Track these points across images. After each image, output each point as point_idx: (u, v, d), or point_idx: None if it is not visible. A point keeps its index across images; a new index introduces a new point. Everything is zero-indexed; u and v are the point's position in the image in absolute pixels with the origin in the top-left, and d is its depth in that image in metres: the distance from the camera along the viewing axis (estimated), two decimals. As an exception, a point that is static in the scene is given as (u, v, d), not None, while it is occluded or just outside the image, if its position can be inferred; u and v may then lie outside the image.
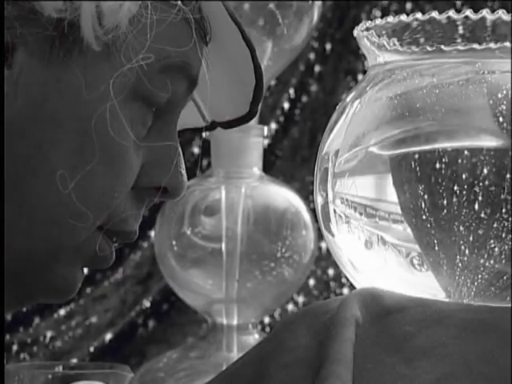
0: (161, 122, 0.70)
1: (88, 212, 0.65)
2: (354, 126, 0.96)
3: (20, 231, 0.65)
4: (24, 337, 1.88)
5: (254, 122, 1.32)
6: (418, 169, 0.92)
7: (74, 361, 1.73)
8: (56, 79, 0.64)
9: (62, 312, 1.90)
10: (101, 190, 0.66)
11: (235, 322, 1.46)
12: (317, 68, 2.03)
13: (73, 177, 0.64)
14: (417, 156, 0.91)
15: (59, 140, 0.64)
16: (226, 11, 0.69)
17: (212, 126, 0.81)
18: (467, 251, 0.90)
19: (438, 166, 0.90)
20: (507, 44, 0.92)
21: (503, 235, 0.89)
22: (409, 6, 2.00)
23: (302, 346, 0.90)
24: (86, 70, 0.64)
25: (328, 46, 2.02)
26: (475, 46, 0.93)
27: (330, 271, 1.91)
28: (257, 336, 1.48)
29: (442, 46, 0.92)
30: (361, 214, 0.95)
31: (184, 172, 0.72)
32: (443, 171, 0.90)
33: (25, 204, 0.64)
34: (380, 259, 0.95)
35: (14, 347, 1.86)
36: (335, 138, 0.98)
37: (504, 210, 0.89)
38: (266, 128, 1.46)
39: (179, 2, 0.66)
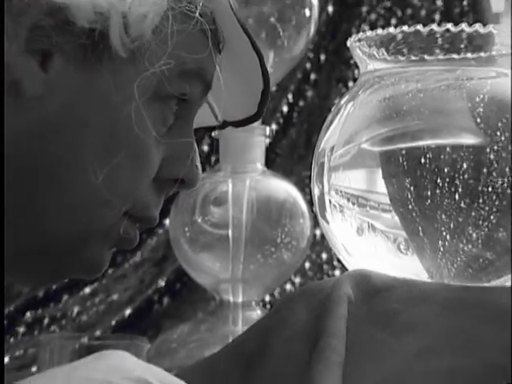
0: (179, 121, 0.70)
1: (115, 200, 0.66)
2: (348, 125, 0.96)
3: (57, 218, 0.65)
4: (54, 311, 1.88)
5: (257, 123, 1.32)
6: (404, 163, 0.91)
7: (98, 333, 1.73)
8: (88, 83, 0.64)
9: (87, 290, 1.90)
10: (126, 181, 0.66)
11: (240, 300, 1.46)
12: (312, 76, 2.03)
13: (102, 169, 0.64)
14: (404, 152, 0.92)
15: (90, 137, 0.64)
16: (238, 23, 0.69)
17: (224, 125, 0.81)
18: (448, 237, 0.90)
19: (422, 161, 0.90)
20: (483, 54, 0.93)
21: (480, 223, 0.89)
22: (394, 21, 2.00)
23: (301, 321, 0.90)
24: (114, 75, 0.64)
25: (322, 57, 2.02)
26: (454, 55, 0.93)
27: (324, 255, 1.90)
28: (259, 312, 1.48)
29: (425, 56, 0.93)
30: (353, 203, 0.95)
31: (199, 165, 0.73)
32: (427, 166, 0.90)
33: (61, 195, 0.64)
34: (370, 244, 0.95)
35: (46, 320, 1.86)
36: (331, 136, 0.98)
37: (481, 201, 0.88)
38: (267, 128, 1.47)
39: (197, 15, 0.66)
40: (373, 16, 2.03)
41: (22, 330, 1.83)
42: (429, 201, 0.90)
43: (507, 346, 0.84)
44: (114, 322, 1.79)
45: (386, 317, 0.88)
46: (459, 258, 0.92)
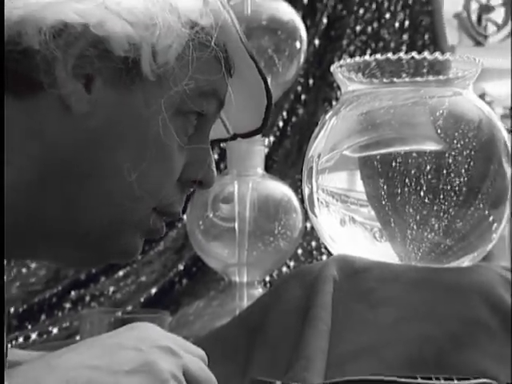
0: (198, 132, 0.70)
1: (145, 197, 0.65)
2: (332, 136, 0.96)
3: (98, 212, 0.64)
4: (94, 291, 1.87)
5: (257, 136, 1.31)
6: (379, 167, 0.91)
7: (129, 308, 1.72)
8: (123, 101, 0.63)
9: (121, 273, 1.89)
10: (155, 181, 0.66)
11: (245, 280, 1.45)
12: (303, 97, 2.03)
13: (135, 171, 0.63)
14: (378, 157, 0.92)
15: (125, 144, 0.64)
16: (247, 51, 0.69)
17: (233, 137, 0.80)
18: (415, 227, 0.90)
19: (393, 164, 0.90)
20: (441, 77, 0.93)
21: (441, 215, 0.89)
22: (368, 51, 2.00)
23: (295, 297, 0.90)
24: (145, 94, 0.64)
25: (310, 81, 2.02)
26: (418, 78, 0.94)
27: (313, 243, 1.90)
28: (261, 290, 1.47)
29: (395, 79, 0.93)
30: (337, 200, 0.95)
31: (214, 169, 0.72)
32: (397, 168, 0.90)
33: (101, 193, 0.64)
34: (351, 234, 0.95)
35: (87, 298, 1.85)
36: (318, 145, 0.98)
37: (441, 197, 0.88)
38: (266, 140, 1.48)
39: (212, 44, 0.65)
40: (351, 48, 2.02)
41: (68, 306, 1.83)
42: (399, 197, 0.89)
43: (463, 316, 0.84)
44: (142, 299, 1.79)
45: (363, 293, 0.88)
46: (424, 245, 0.91)
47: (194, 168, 0.70)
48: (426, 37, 2.11)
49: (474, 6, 2.76)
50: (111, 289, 1.87)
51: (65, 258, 0.73)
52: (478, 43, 2.75)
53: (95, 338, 0.60)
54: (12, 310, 1.70)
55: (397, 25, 2.10)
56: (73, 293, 1.84)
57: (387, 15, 2.10)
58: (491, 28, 2.80)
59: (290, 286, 0.93)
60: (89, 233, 0.66)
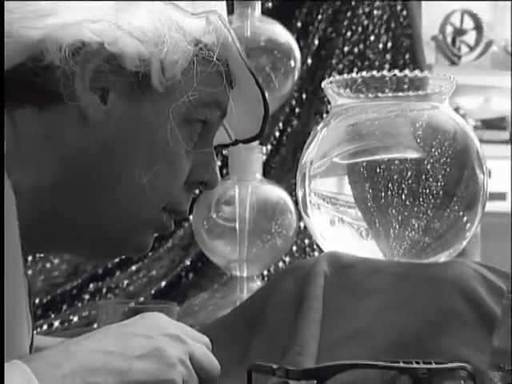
0: (202, 138, 0.70)
1: (155, 197, 0.65)
2: (323, 145, 0.96)
3: (112, 211, 0.65)
4: (109, 284, 1.87)
5: (256, 143, 1.32)
6: (365, 172, 0.91)
7: (141, 299, 1.71)
8: (135, 111, 0.63)
9: (134, 268, 1.89)
10: (164, 182, 0.66)
11: (245, 274, 1.45)
12: (297, 110, 2.02)
13: (146, 174, 0.64)
14: (364, 164, 0.91)
15: (137, 150, 0.64)
16: (246, 66, 0.68)
17: (235, 143, 0.80)
18: (397, 226, 0.90)
19: (378, 170, 0.89)
20: (421, 92, 0.92)
21: (420, 215, 0.89)
22: (355, 70, 2.00)
23: (289, 290, 0.90)
24: (154, 104, 0.64)
25: (304, 96, 2.01)
26: (400, 93, 0.93)
27: (306, 241, 1.89)
28: (259, 283, 1.46)
29: (379, 94, 0.93)
30: (327, 202, 0.95)
31: (217, 171, 0.72)
32: (381, 174, 0.89)
33: (115, 193, 0.64)
34: (340, 232, 0.95)
35: (104, 290, 1.85)
36: (310, 152, 0.98)
37: (421, 199, 0.88)
38: (264, 148, 1.48)
39: (215, 59, 0.65)
40: (340, 66, 2.02)
41: (86, 297, 1.82)
42: (383, 200, 0.89)
43: (441, 306, 0.84)
44: (152, 291, 1.78)
45: (351, 285, 0.88)
46: (405, 242, 0.91)
47: (199, 171, 0.70)
48: (407, 57, 2.11)
49: (449, 30, 2.76)
50: (125, 282, 1.86)
51: (84, 253, 0.73)
52: (453, 62, 2.76)
53: (110, 326, 0.59)
54: (37, 300, 1.69)
55: (380, 46, 2.10)
56: (91, 285, 1.84)
57: (372, 37, 2.10)
58: (464, 49, 2.81)
59: (285, 280, 0.92)
60: (105, 230, 0.66)
